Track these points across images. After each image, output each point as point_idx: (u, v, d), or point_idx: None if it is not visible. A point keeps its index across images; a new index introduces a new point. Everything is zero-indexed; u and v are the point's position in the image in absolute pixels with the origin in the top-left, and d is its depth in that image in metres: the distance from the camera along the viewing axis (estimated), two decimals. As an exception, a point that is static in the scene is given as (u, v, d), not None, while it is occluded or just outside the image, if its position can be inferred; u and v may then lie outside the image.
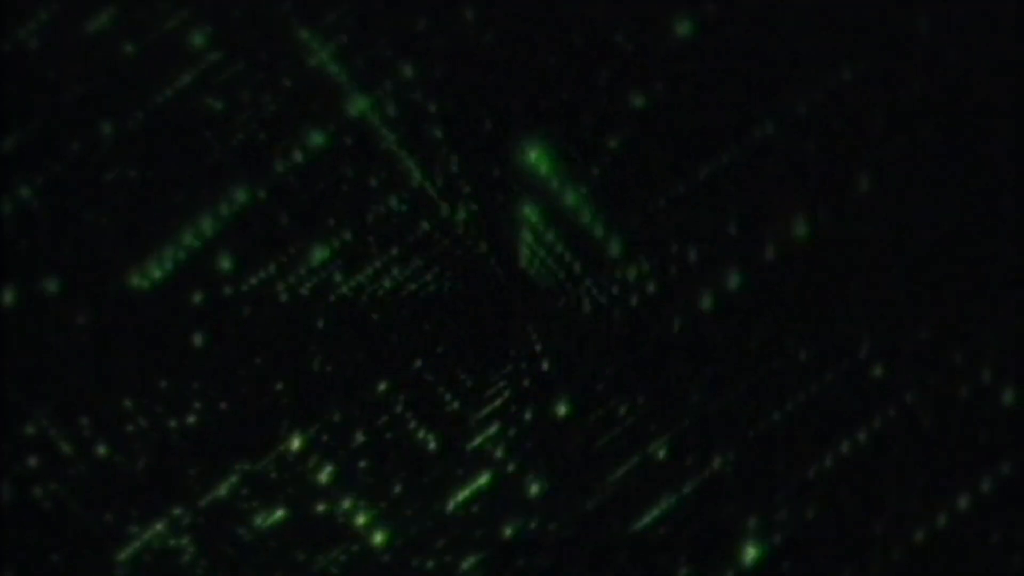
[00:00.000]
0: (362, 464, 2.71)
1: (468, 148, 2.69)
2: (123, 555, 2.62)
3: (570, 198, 2.61)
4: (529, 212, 2.67)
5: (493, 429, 2.70)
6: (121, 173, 2.58)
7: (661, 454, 2.73)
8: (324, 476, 2.69)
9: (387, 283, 2.71)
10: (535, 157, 2.59)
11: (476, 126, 2.68)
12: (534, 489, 2.70)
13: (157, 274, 2.62)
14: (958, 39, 2.69)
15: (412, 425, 2.71)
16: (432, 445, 2.69)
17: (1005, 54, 2.64)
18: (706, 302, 2.72)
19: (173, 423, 2.66)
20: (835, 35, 2.67)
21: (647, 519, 2.72)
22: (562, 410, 2.69)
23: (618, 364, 2.71)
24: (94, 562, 2.61)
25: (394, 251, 2.71)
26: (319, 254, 2.68)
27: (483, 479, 2.69)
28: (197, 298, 2.63)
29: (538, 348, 2.71)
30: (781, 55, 2.67)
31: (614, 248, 2.64)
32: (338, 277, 2.70)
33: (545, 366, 2.68)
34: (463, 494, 2.69)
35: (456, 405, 2.71)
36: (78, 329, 2.61)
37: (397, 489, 2.69)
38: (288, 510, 2.70)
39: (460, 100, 2.64)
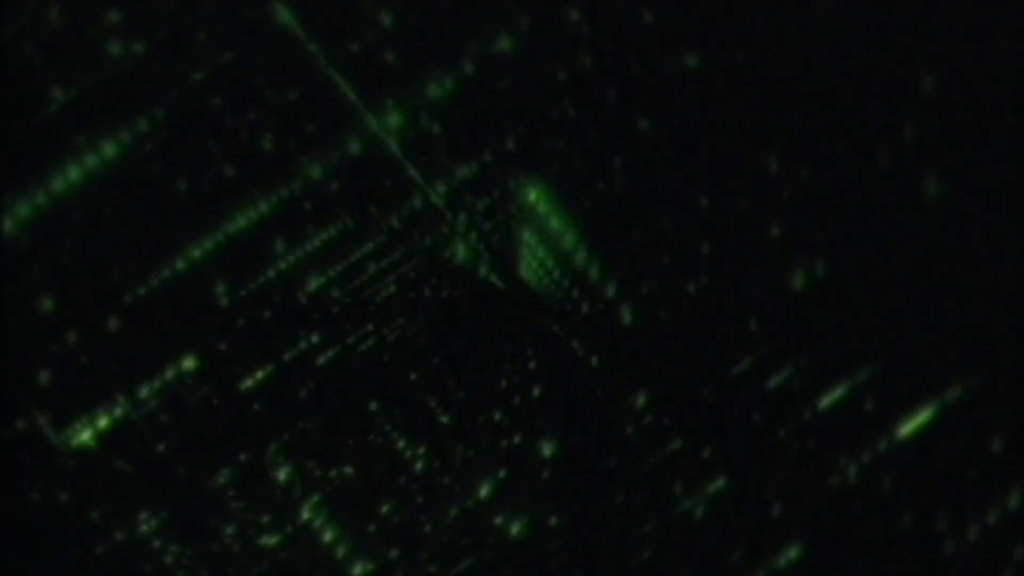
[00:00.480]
0: (348, 470, 2.72)
1: (472, 163, 2.68)
2: (106, 552, 2.64)
3: (569, 239, 2.61)
4: (529, 237, 2.67)
5: (482, 448, 2.71)
6: (122, 182, 2.58)
7: (653, 478, 2.73)
8: (309, 485, 2.71)
9: (385, 292, 2.71)
10: (534, 196, 2.59)
11: (479, 145, 2.67)
12: (522, 511, 2.70)
13: (154, 278, 2.62)
14: (962, 74, 2.67)
15: (399, 437, 2.71)
16: (419, 464, 2.70)
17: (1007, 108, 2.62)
18: (703, 331, 2.71)
19: (162, 424, 2.67)
20: (838, 69, 2.65)
21: (638, 540, 2.72)
22: (551, 436, 2.69)
23: (610, 389, 2.71)
24: (78, 558, 2.63)
25: (392, 259, 2.71)
26: (316, 262, 2.68)
27: (469, 500, 2.70)
28: (193, 303, 2.64)
29: (532, 365, 2.71)
30: (784, 89, 2.65)
31: (610, 289, 2.64)
32: (336, 285, 2.70)
33: (536, 391, 2.68)
34: (450, 513, 2.70)
35: (446, 419, 2.71)
36: (72, 326, 2.62)
37: (381, 505, 2.70)
38: (274, 514, 2.71)
39: (465, 121, 2.64)
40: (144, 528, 2.65)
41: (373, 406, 2.71)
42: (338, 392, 2.70)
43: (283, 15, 2.58)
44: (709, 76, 2.62)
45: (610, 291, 2.69)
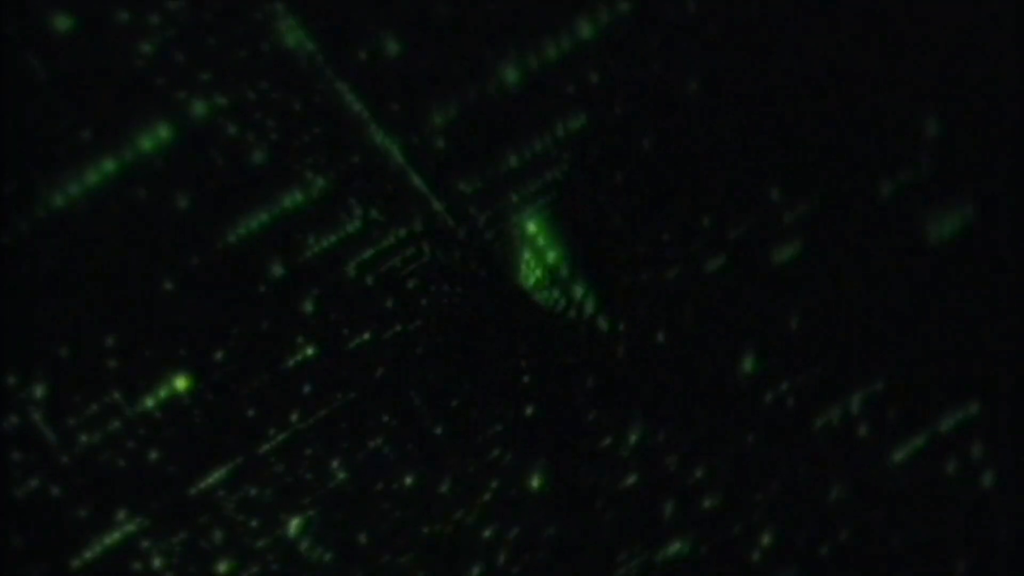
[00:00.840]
0: (340, 476, 2.72)
1: (475, 177, 2.69)
2: (96, 550, 2.65)
3: (566, 269, 2.61)
4: (529, 256, 2.68)
5: (474, 461, 2.71)
6: (124, 188, 2.59)
7: (644, 496, 2.74)
8: (300, 490, 2.71)
9: (384, 301, 2.71)
10: (534, 227, 2.59)
11: (483, 160, 2.68)
12: (511, 525, 2.71)
13: (153, 282, 2.63)
14: (967, 108, 2.66)
15: (393, 447, 2.72)
16: (410, 472, 2.71)
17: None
18: (699, 353, 2.71)
19: (157, 423, 2.67)
20: (841, 97, 2.65)
21: (626, 557, 2.73)
22: (543, 451, 2.70)
23: (604, 407, 2.71)
24: (68, 555, 2.64)
25: (392, 268, 2.71)
26: (316, 270, 2.68)
27: (460, 511, 2.71)
28: (192, 308, 2.64)
29: (526, 380, 2.71)
30: (788, 116, 2.65)
31: (607, 311, 2.65)
32: (335, 293, 2.70)
33: (529, 411, 2.68)
34: (440, 523, 2.71)
35: (439, 431, 2.71)
36: (71, 326, 2.62)
37: (371, 513, 2.71)
38: (265, 517, 2.72)
39: (470, 136, 2.64)
40: (134, 527, 2.66)
41: (368, 414, 2.71)
42: (333, 399, 2.70)
43: (292, 28, 2.58)
44: (712, 101, 2.62)
45: (607, 314, 2.69)
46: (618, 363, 2.69)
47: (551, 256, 2.66)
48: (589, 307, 2.67)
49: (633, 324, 2.70)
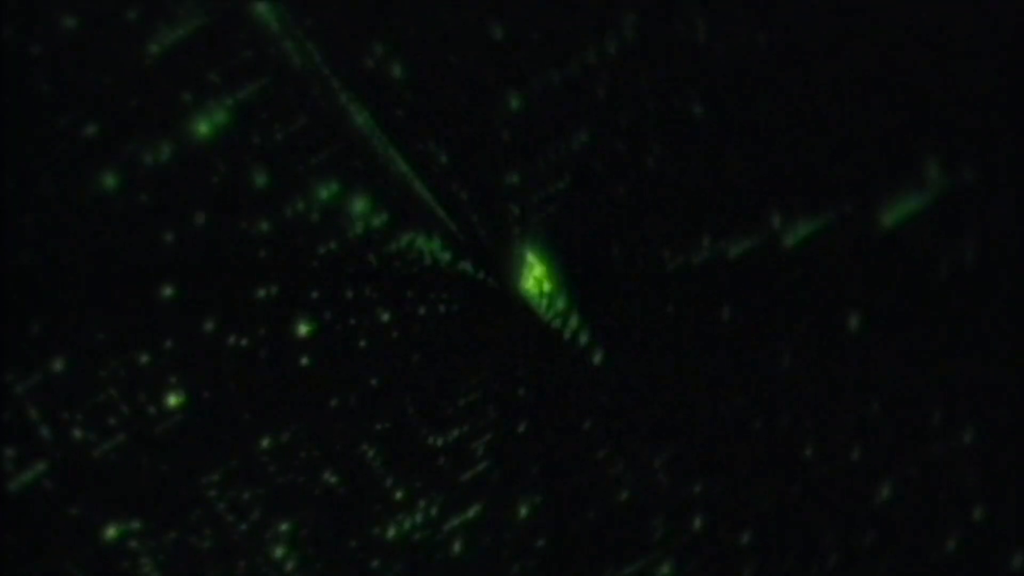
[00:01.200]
0: (332, 480, 2.73)
1: (477, 186, 2.69)
2: (86, 548, 2.66)
3: (562, 302, 2.62)
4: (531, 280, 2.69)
5: (466, 472, 2.72)
6: (125, 193, 2.59)
7: (635, 513, 2.74)
8: (293, 492, 2.72)
9: (383, 308, 2.72)
10: (531, 257, 2.60)
11: (486, 174, 2.68)
12: (503, 535, 2.72)
13: (151, 287, 2.63)
14: (970, 142, 2.66)
15: (386, 456, 2.72)
16: (403, 479, 2.71)
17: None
18: (695, 376, 2.72)
19: (151, 420, 2.68)
20: (842, 124, 2.65)
21: (615, 569, 2.73)
22: (533, 465, 2.70)
23: (597, 422, 2.72)
24: (60, 553, 2.65)
25: (392, 275, 2.71)
26: (316, 276, 2.69)
27: (453, 520, 2.72)
28: (189, 313, 2.65)
29: (521, 392, 2.71)
30: (791, 143, 2.64)
31: (597, 356, 2.66)
32: (333, 299, 2.70)
33: (522, 428, 2.68)
34: (433, 531, 2.72)
35: (431, 440, 2.72)
36: (69, 325, 2.63)
37: (363, 517, 2.72)
38: (256, 518, 2.73)
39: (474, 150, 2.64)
40: (125, 527, 2.67)
41: (362, 421, 2.72)
42: (328, 405, 2.71)
43: (298, 35, 2.58)
44: (715, 125, 2.62)
45: (602, 340, 2.69)
46: (614, 386, 2.70)
47: (547, 286, 2.66)
48: (584, 337, 2.68)
49: (629, 346, 2.70)
